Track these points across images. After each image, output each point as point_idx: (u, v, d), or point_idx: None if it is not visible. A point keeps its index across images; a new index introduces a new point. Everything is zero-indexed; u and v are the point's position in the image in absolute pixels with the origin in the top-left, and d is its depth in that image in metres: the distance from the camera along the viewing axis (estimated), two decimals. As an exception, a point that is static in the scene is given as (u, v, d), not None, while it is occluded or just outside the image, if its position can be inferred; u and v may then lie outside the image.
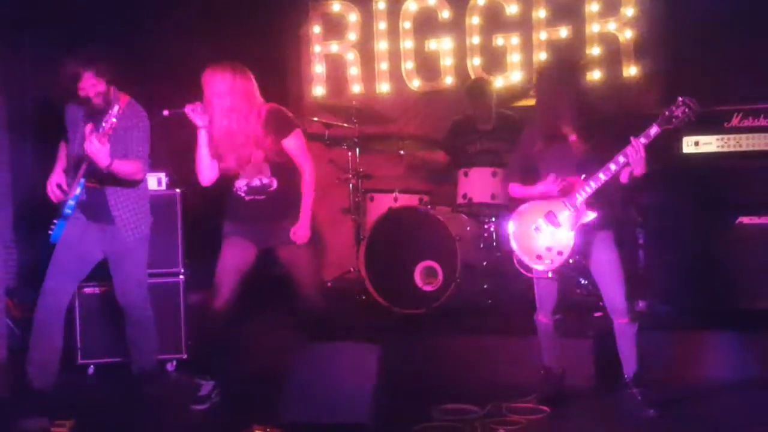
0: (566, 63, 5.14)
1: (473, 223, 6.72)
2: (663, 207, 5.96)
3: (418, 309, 6.33)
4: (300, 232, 5.15)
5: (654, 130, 4.58)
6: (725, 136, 5.71)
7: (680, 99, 4.57)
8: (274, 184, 5.18)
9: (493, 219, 6.75)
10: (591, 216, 4.73)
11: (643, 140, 4.57)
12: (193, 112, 5.01)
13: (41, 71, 6.66)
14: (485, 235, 6.71)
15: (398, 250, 6.49)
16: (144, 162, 5.16)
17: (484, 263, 6.59)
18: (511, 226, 4.95)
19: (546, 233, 4.81)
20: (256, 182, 5.16)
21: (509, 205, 5.15)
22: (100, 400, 5.48)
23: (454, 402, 4.95)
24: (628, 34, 7.33)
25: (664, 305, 5.84)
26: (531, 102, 6.84)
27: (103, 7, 6.98)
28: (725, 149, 5.72)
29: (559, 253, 4.78)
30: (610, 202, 4.82)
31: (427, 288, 6.38)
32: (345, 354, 4.81)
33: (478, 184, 6.73)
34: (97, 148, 4.84)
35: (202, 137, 5.09)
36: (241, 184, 5.18)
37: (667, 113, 4.58)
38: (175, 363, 5.99)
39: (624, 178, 4.70)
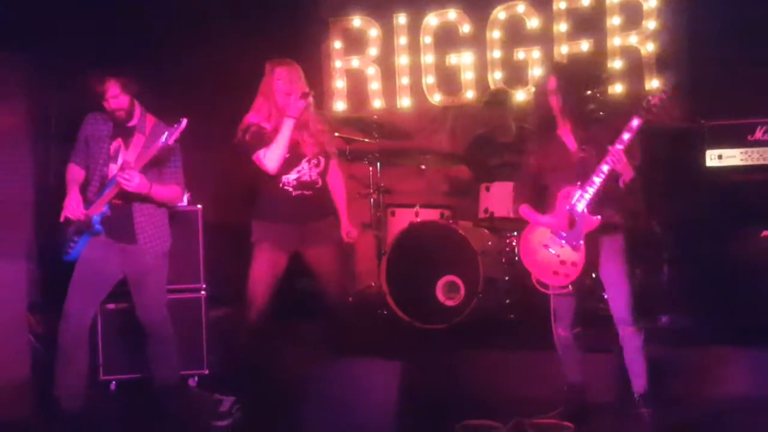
0: (570, 67, 5.17)
1: (495, 238, 6.70)
2: (686, 220, 5.92)
3: (440, 324, 6.31)
4: (351, 229, 5.49)
5: (636, 122, 4.56)
6: (749, 149, 5.68)
7: (654, 89, 4.55)
8: (320, 182, 5.37)
9: (515, 233, 6.73)
10: (595, 221, 4.68)
11: (619, 146, 4.55)
12: (304, 100, 5.21)
13: (66, 85, 6.70)
14: (507, 249, 6.68)
15: (420, 264, 6.47)
16: (183, 188, 5.23)
17: (506, 278, 6.56)
18: (521, 246, 4.97)
19: (556, 248, 4.78)
20: (306, 177, 5.29)
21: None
22: (123, 417, 5.48)
23: (477, 418, 4.92)
24: (650, 47, 7.29)
25: (687, 319, 5.79)
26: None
27: (128, 23, 7.04)
28: (749, 162, 5.69)
29: (574, 264, 4.73)
30: (621, 207, 4.77)
31: (449, 303, 6.36)
32: (366, 370, 4.78)
33: (499, 198, 6.71)
34: (136, 184, 4.92)
35: (290, 126, 5.18)
36: (290, 178, 5.26)
37: (644, 104, 4.57)
38: (197, 378, 5.98)
39: (622, 183, 4.65)
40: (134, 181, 4.92)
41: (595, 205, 4.66)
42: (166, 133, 4.91)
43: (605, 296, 5.96)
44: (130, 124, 5.14)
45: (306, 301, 6.12)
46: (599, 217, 4.67)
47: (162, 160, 5.06)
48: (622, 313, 4.77)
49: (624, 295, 4.75)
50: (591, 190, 4.64)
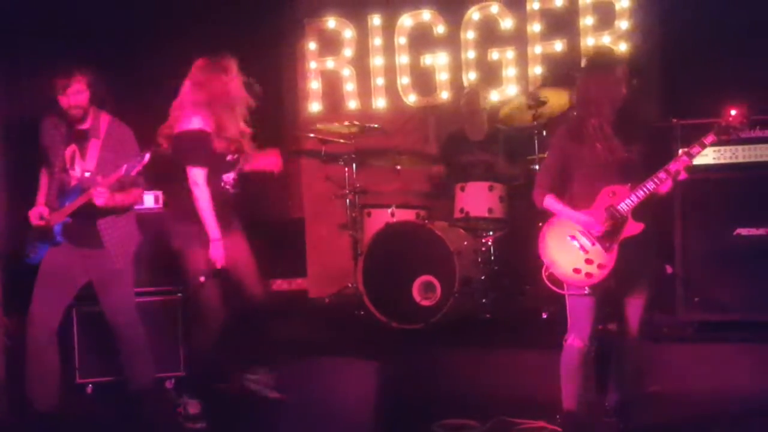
0: (617, 60, 4.75)
1: (471, 238, 6.72)
2: (658, 218, 5.96)
3: (417, 324, 6.32)
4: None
5: (710, 139, 4.35)
6: (721, 148, 5.70)
7: (736, 110, 4.34)
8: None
9: (491, 233, 6.76)
10: (638, 227, 4.37)
11: (685, 158, 4.32)
12: None
13: (17, 86, 6.64)
14: (483, 249, 6.71)
15: (396, 265, 6.48)
16: (143, 188, 5.19)
17: (482, 277, 6.59)
18: (541, 235, 4.52)
19: (585, 244, 4.40)
20: (237, 176, 5.29)
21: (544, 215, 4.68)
22: (99, 420, 5.46)
23: (454, 417, 4.94)
24: (622, 47, 7.35)
25: (662, 317, 5.83)
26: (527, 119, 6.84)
27: (97, 23, 7.00)
28: (721, 161, 5.72)
29: (601, 267, 4.36)
30: (655, 218, 4.49)
31: (426, 303, 6.37)
32: (343, 370, 4.79)
33: (475, 198, 6.73)
34: (107, 200, 4.89)
35: None
36: (229, 177, 5.25)
37: (723, 124, 4.36)
38: (173, 381, 5.96)
39: (665, 189, 4.40)
40: (108, 198, 4.90)
41: (636, 211, 4.36)
42: (126, 165, 4.83)
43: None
44: (83, 127, 5.07)
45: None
46: (642, 224, 4.37)
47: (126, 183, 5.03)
48: (633, 324, 4.52)
49: (641, 312, 4.51)
50: (641, 194, 4.32)
